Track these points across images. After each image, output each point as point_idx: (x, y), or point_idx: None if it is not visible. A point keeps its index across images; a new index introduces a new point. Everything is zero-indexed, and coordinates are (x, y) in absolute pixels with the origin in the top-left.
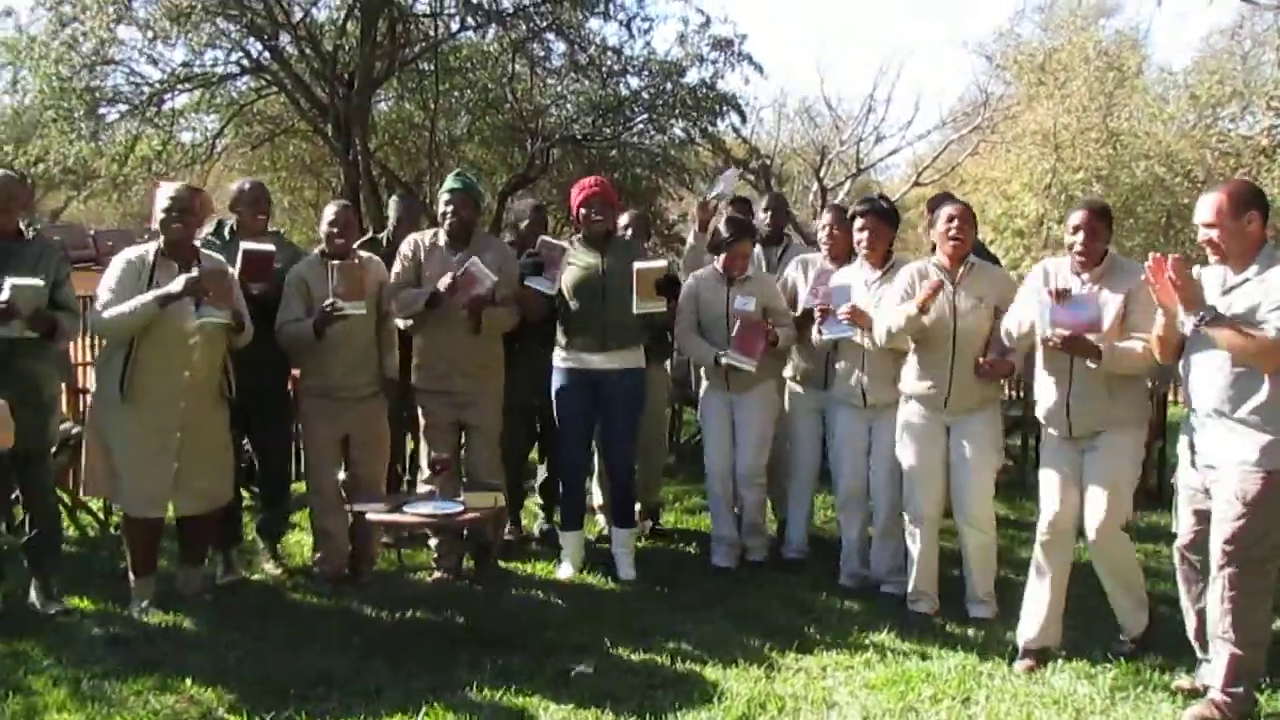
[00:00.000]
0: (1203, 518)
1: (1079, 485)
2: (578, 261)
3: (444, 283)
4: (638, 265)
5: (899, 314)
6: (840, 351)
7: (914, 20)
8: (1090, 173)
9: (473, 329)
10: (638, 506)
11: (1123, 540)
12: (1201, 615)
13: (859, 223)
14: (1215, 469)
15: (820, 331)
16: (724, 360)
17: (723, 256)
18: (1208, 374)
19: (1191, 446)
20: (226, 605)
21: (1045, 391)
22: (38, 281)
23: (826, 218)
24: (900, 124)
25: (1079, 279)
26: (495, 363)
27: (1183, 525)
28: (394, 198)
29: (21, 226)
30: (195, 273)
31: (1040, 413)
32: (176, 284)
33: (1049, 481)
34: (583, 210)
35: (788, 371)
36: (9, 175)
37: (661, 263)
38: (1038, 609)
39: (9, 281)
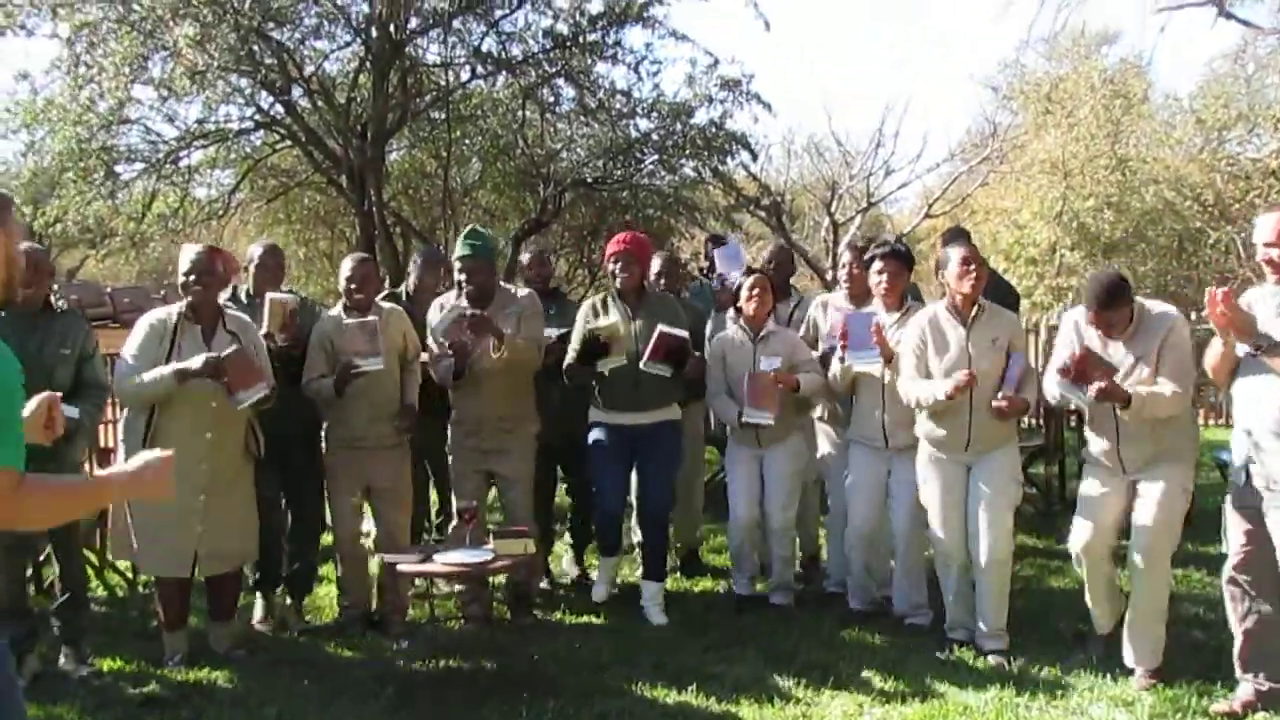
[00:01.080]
0: (1253, 538)
1: (1121, 511)
2: (608, 320)
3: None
4: (661, 328)
5: (923, 393)
6: (860, 392)
7: (919, 55)
8: (1101, 199)
9: (495, 348)
10: (676, 545)
11: (1167, 571)
12: (1248, 635)
13: (877, 265)
14: (1275, 491)
15: (842, 359)
16: (744, 419)
17: (745, 304)
18: (1266, 395)
19: (1247, 469)
20: (258, 662)
21: (1096, 437)
22: (74, 413)
23: (846, 257)
24: (909, 157)
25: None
26: (526, 414)
27: (1233, 546)
28: (416, 253)
29: (52, 299)
30: (217, 354)
31: (1094, 454)
32: (196, 361)
33: (1091, 503)
34: (611, 266)
35: (818, 413)
36: (35, 247)
37: (683, 332)
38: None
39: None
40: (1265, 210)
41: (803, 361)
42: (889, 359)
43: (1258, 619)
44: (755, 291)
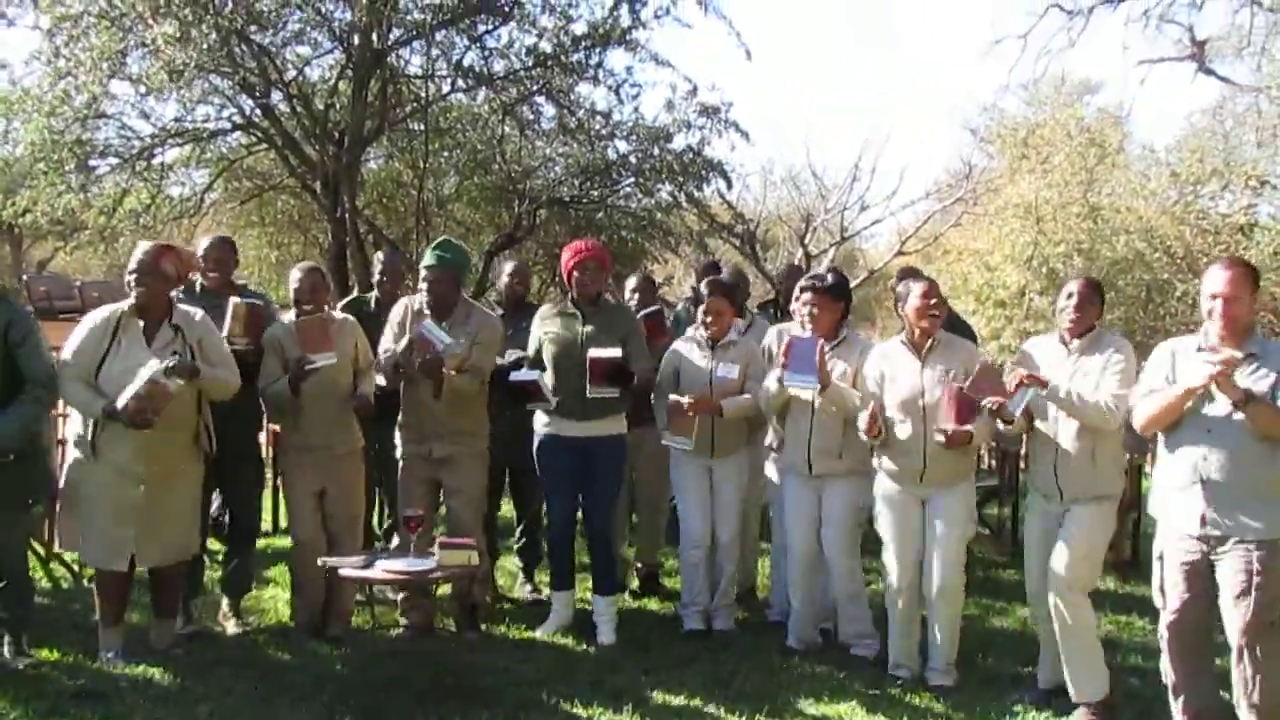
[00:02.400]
0: (1195, 589)
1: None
2: (559, 329)
3: (399, 349)
4: (591, 353)
5: (864, 423)
6: (791, 417)
7: (900, 87)
8: (1071, 246)
9: (433, 392)
10: (637, 565)
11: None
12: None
13: (803, 298)
14: (1226, 541)
15: (780, 379)
16: (663, 440)
17: (701, 311)
18: (1223, 446)
19: (1202, 519)
20: (197, 660)
21: (1036, 463)
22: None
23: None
24: (885, 194)
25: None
26: (477, 426)
27: (1171, 598)
28: (378, 254)
29: None
30: (114, 403)
31: (1034, 483)
32: (119, 402)
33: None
34: (575, 273)
35: (768, 440)
36: None
37: (615, 351)
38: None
39: None
40: (1214, 262)
41: (755, 374)
42: (825, 385)
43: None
44: (710, 319)
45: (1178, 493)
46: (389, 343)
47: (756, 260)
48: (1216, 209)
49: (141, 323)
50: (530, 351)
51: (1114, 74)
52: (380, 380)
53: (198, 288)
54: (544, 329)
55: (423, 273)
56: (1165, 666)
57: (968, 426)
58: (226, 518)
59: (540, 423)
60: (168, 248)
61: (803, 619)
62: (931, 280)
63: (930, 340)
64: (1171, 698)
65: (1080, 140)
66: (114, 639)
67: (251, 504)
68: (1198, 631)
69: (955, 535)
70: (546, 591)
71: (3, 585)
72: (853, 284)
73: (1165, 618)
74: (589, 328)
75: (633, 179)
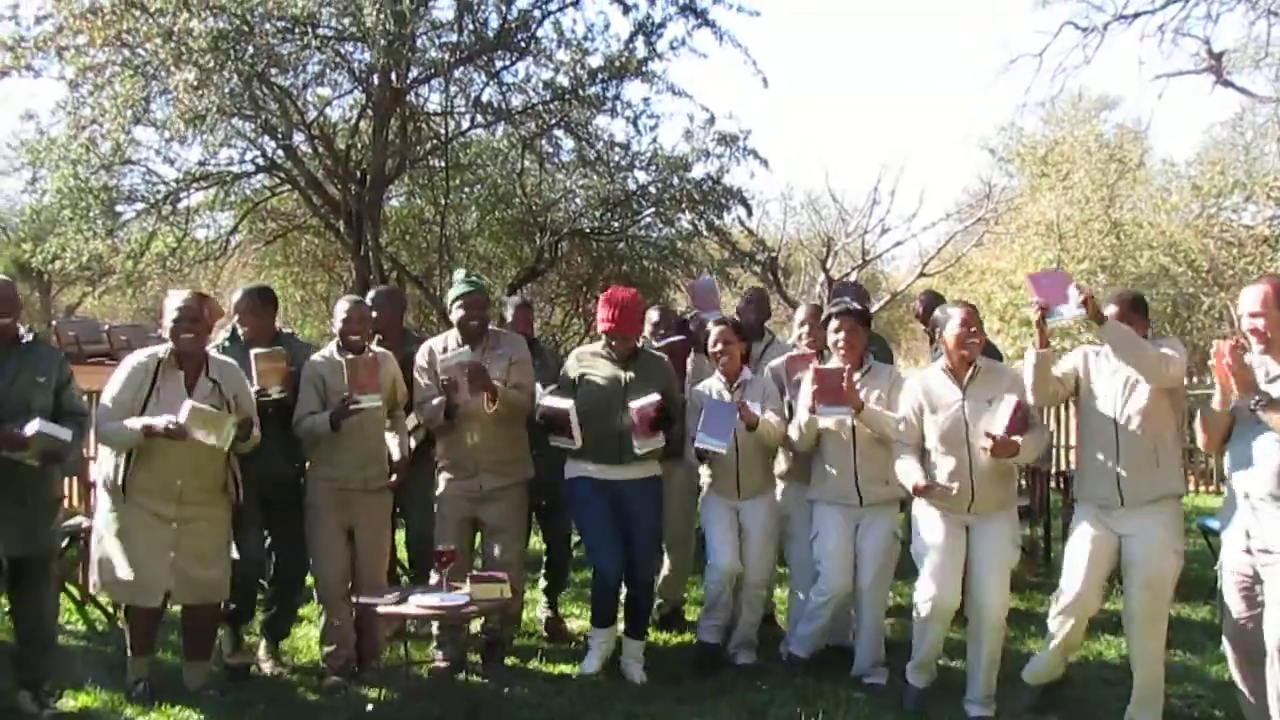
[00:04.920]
0: (1254, 604)
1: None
2: (600, 373)
3: (444, 377)
4: (633, 407)
5: (904, 477)
6: (827, 449)
7: (917, 112)
8: (1095, 262)
9: (488, 401)
10: (660, 600)
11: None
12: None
13: (833, 324)
14: (1272, 553)
15: (812, 410)
16: (697, 444)
17: (714, 358)
18: (1262, 459)
19: (1247, 533)
20: (230, 700)
21: (1088, 469)
22: (66, 435)
23: (802, 314)
24: (905, 216)
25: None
26: (521, 454)
27: (1233, 612)
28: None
29: (21, 330)
30: (176, 421)
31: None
32: (160, 421)
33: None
34: (612, 339)
35: (779, 468)
36: (6, 280)
37: (654, 397)
38: None
39: (37, 425)
40: (1253, 281)
41: (775, 408)
42: (859, 409)
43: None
44: (719, 346)
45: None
46: (425, 387)
47: (779, 287)
48: (1240, 221)
49: (181, 372)
50: (562, 384)
51: (1131, 89)
52: (426, 418)
53: (241, 335)
54: (583, 367)
55: (457, 301)
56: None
57: (1016, 437)
58: (274, 560)
59: (576, 468)
60: (203, 295)
61: (810, 637)
62: (971, 306)
63: (971, 368)
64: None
65: (1100, 156)
66: (142, 668)
67: (296, 548)
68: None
69: (1001, 565)
70: (571, 623)
71: (23, 645)
72: (876, 306)
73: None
74: (630, 374)
75: (653, 209)
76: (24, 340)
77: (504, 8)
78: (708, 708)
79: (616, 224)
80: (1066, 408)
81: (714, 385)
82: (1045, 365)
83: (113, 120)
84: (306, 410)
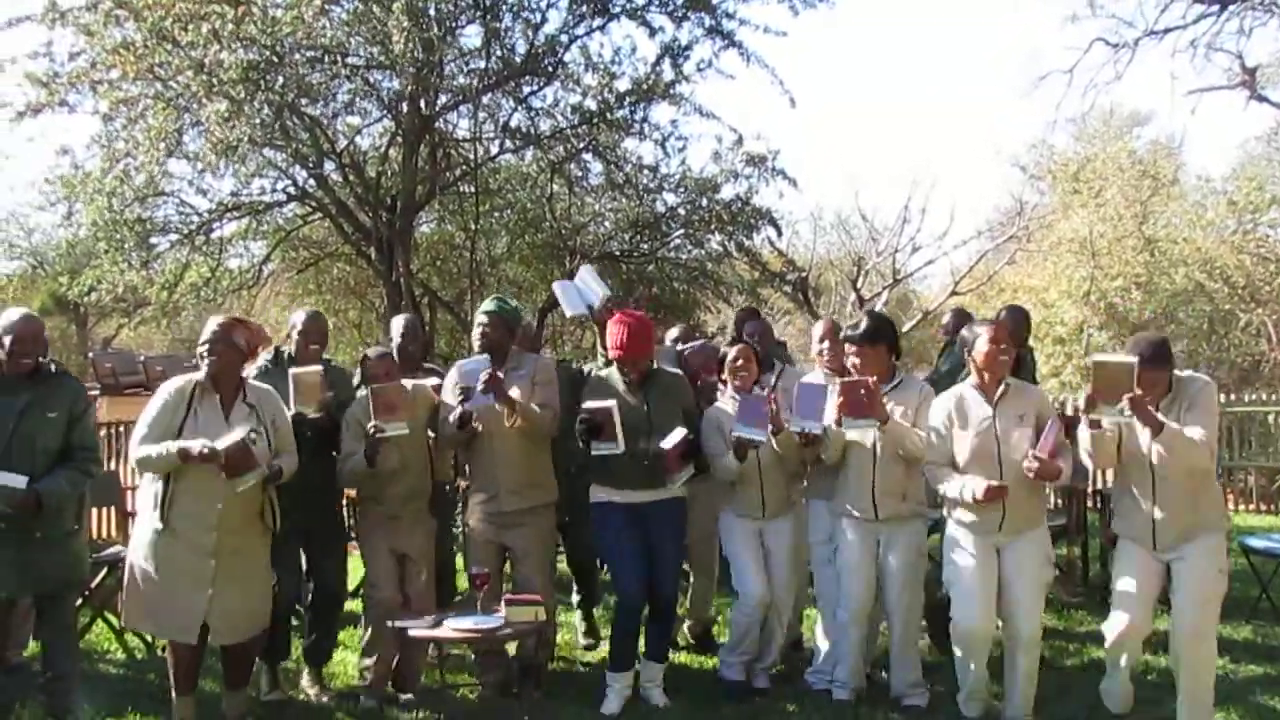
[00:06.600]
0: None
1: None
2: (622, 394)
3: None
4: (664, 444)
5: (952, 490)
6: (849, 461)
7: (947, 125)
8: (1129, 279)
9: (507, 413)
10: (688, 623)
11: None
12: None
13: (849, 348)
14: None
15: (839, 423)
16: (734, 433)
17: (731, 375)
18: None
19: None
20: None
21: (1126, 516)
22: (19, 483)
23: (819, 330)
24: (936, 234)
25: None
26: (546, 475)
27: None
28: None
29: (41, 361)
30: (213, 445)
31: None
32: (194, 445)
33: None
34: (623, 365)
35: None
36: (31, 316)
37: (681, 432)
38: None
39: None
40: None
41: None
42: (884, 422)
43: None
44: (739, 363)
45: None
46: (450, 404)
47: (810, 307)
48: (1277, 236)
49: (218, 396)
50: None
51: (1164, 104)
52: (444, 437)
53: (286, 358)
54: (585, 403)
55: (479, 319)
56: None
57: (1060, 462)
58: (312, 587)
59: (602, 493)
60: (239, 320)
61: (855, 674)
62: (1000, 324)
63: (1001, 385)
64: None
65: (1133, 172)
66: (186, 710)
67: (335, 573)
68: None
69: (1034, 585)
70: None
71: (48, 676)
72: (908, 326)
73: None
74: (648, 403)
75: (682, 230)
76: (46, 372)
77: (531, 34)
78: None
79: (646, 246)
80: None
81: (726, 405)
82: (1103, 442)
83: (146, 153)
84: (348, 453)
